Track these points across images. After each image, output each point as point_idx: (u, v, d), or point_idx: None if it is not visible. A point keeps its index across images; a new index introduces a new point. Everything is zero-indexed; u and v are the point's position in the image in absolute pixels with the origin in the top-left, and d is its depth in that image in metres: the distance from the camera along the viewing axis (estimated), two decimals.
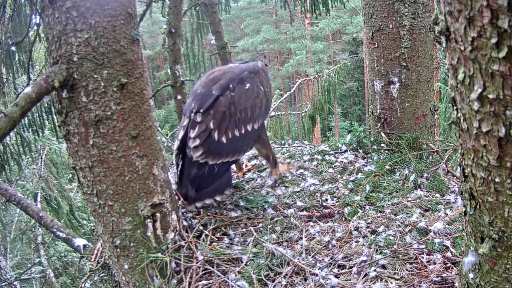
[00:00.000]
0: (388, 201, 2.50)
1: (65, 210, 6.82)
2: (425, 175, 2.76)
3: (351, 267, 1.94)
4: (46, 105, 4.53)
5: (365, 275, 1.88)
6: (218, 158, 2.41)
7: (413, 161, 2.87)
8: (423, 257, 1.98)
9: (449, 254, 1.97)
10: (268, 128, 7.21)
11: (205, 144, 2.37)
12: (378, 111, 3.34)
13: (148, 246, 2.06)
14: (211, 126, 2.38)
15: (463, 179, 1.22)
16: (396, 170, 2.83)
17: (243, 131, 2.47)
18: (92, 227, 6.02)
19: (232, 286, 1.91)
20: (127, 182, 2.01)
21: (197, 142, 2.36)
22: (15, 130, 4.19)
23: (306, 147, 3.60)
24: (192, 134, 2.37)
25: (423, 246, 2.03)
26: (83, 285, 2.80)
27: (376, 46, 3.23)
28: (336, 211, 2.44)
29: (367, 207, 2.47)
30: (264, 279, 1.92)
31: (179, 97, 5.19)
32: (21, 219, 7.89)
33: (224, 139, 2.40)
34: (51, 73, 1.83)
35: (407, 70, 3.18)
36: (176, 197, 2.38)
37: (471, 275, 1.32)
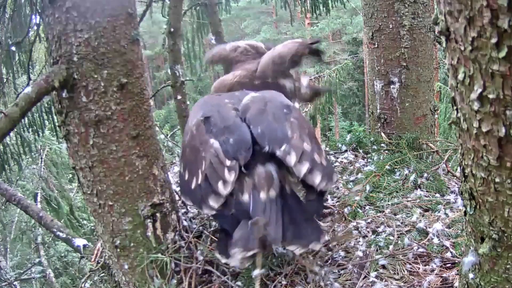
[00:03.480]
0: (388, 201, 2.50)
1: (65, 210, 6.82)
2: (425, 175, 2.76)
3: (351, 267, 1.94)
4: (46, 105, 4.51)
5: (365, 275, 1.88)
6: (330, 182, 1.85)
7: (413, 161, 2.87)
8: (423, 257, 1.98)
9: (448, 254, 1.97)
10: None
11: (316, 167, 1.80)
12: (378, 111, 3.34)
13: (148, 246, 2.06)
14: (306, 146, 1.83)
15: (463, 179, 1.21)
16: (396, 170, 2.82)
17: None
18: (92, 227, 6.02)
19: (232, 286, 1.91)
20: (127, 182, 2.01)
21: (307, 165, 1.77)
22: (15, 130, 4.18)
23: None
24: (292, 160, 1.76)
25: (422, 248, 2.03)
26: (83, 285, 2.80)
27: (376, 46, 3.23)
28: (336, 211, 2.44)
29: (367, 207, 2.47)
30: (264, 279, 1.92)
31: (179, 97, 5.16)
32: (21, 219, 7.88)
33: (324, 161, 1.88)
34: (51, 73, 1.83)
35: (407, 70, 3.18)
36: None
37: (471, 275, 1.32)
